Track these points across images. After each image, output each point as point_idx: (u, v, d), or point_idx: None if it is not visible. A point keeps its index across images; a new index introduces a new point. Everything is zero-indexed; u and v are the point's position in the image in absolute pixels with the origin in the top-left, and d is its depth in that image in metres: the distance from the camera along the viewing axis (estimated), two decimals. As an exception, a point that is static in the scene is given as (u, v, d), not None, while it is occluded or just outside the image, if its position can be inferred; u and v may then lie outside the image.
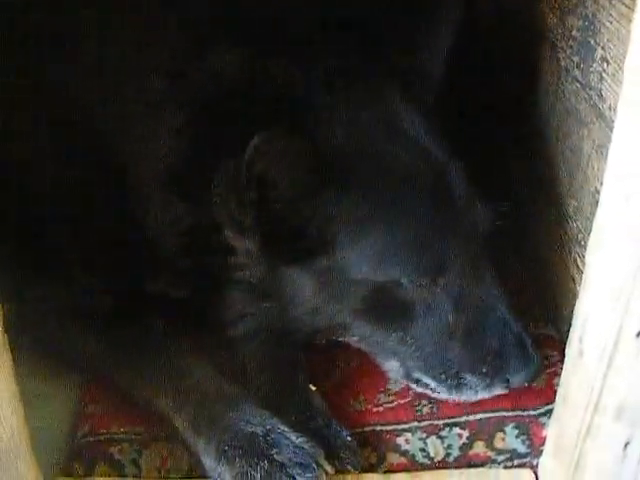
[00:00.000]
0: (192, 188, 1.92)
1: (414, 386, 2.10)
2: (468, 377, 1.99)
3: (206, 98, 1.94)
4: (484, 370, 1.98)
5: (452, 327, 1.97)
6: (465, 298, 1.96)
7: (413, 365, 2.04)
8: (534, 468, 1.97)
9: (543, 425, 2.09)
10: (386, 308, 1.97)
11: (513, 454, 2.06)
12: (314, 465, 1.86)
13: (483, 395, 2.02)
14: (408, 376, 2.08)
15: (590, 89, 1.95)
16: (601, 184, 1.52)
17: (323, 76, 1.98)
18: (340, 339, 2.13)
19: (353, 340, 2.09)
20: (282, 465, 1.85)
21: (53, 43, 2.13)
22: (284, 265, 1.95)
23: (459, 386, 2.01)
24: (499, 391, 2.01)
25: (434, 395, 2.08)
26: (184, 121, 1.95)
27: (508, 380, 1.99)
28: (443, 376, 2.01)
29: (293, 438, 1.90)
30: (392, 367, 2.09)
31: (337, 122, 1.92)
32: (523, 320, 2.00)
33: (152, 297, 2.15)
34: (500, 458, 2.05)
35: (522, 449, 2.06)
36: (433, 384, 2.04)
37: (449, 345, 1.98)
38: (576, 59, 2.04)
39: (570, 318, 1.69)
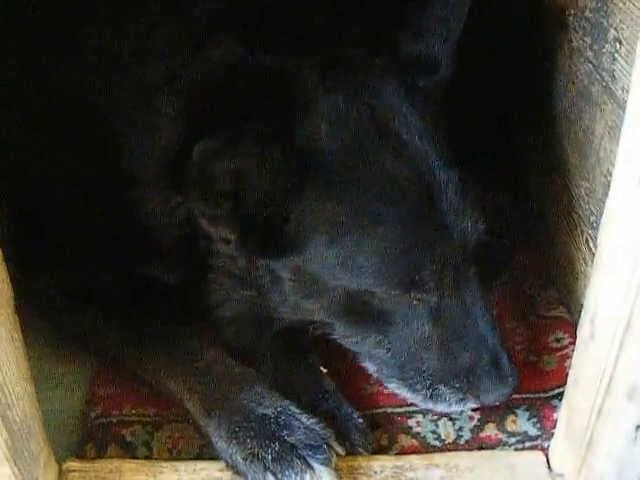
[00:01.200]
0: (185, 179, 1.92)
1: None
2: (441, 389, 1.98)
3: (202, 89, 1.94)
4: (457, 385, 1.96)
5: (428, 339, 1.95)
6: (443, 312, 1.94)
7: (389, 372, 2.03)
8: (545, 450, 1.97)
9: (554, 407, 2.09)
10: (361, 314, 1.95)
11: (524, 436, 2.06)
12: (325, 447, 1.87)
13: (457, 408, 2.01)
14: (384, 381, 2.08)
15: (603, 70, 1.95)
16: (613, 166, 1.52)
17: (316, 68, 1.95)
18: (326, 335, 2.10)
19: (340, 339, 2.07)
20: (293, 446, 1.86)
21: (52, 33, 2.13)
22: (259, 257, 1.95)
23: (433, 397, 1.99)
24: (472, 405, 2.00)
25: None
26: (181, 112, 1.94)
27: (478, 397, 1.96)
28: (418, 386, 2.00)
29: (304, 420, 1.91)
30: (369, 369, 2.09)
31: (324, 120, 1.87)
32: (503, 337, 1.97)
33: (150, 283, 2.15)
34: (511, 440, 2.05)
35: (533, 431, 2.06)
36: (408, 394, 2.03)
37: (424, 356, 1.96)
38: (589, 40, 2.03)
39: (582, 300, 1.69)
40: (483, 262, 1.98)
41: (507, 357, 1.94)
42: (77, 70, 2.08)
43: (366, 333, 1.99)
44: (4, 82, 2.13)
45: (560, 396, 1.99)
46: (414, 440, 2.06)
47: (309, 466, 1.83)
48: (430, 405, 2.02)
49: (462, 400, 1.98)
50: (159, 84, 1.97)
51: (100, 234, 2.14)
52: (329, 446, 1.88)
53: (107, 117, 2.03)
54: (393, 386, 2.05)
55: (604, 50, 1.93)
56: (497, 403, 2.00)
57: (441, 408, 2.01)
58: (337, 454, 1.90)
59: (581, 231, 2.17)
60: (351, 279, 1.88)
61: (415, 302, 1.92)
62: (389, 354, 1.99)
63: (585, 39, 2.05)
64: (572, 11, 2.13)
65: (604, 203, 1.56)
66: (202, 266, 2.05)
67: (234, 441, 1.90)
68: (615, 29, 1.85)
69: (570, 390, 1.81)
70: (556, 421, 1.93)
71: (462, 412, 2.09)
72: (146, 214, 2.03)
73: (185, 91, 1.95)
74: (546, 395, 2.13)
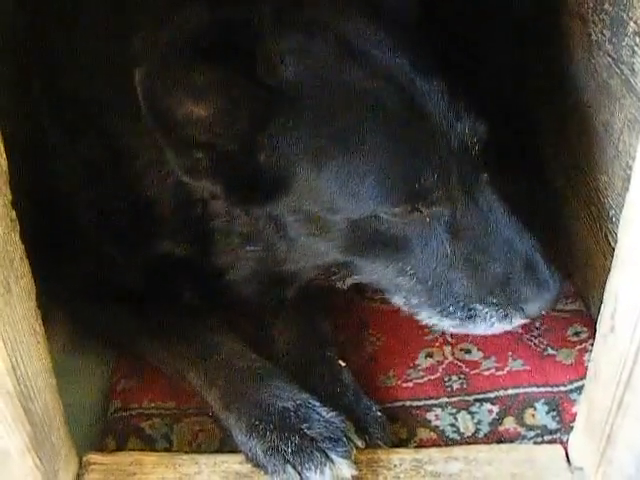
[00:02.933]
0: None
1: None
2: (478, 308, 1.90)
3: (173, 52, 1.86)
4: (494, 300, 1.88)
5: (450, 257, 1.88)
6: (459, 224, 1.86)
7: (418, 301, 1.96)
8: (564, 444, 1.97)
9: (573, 401, 2.09)
10: (374, 243, 1.89)
11: (543, 430, 2.06)
12: (345, 439, 1.87)
13: (502, 327, 1.92)
14: (414, 315, 2.00)
15: (622, 63, 1.94)
16: (632, 159, 1.52)
17: (270, 12, 1.89)
18: (350, 280, 2.04)
19: (362, 279, 2.01)
20: (313, 439, 1.86)
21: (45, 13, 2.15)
22: (249, 205, 1.90)
23: (471, 318, 1.91)
24: (519, 321, 1.91)
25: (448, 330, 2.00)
26: None
27: (523, 309, 1.88)
28: (451, 309, 1.92)
29: (324, 413, 1.92)
30: (398, 302, 2.01)
31: (285, 52, 1.82)
32: (535, 240, 1.87)
33: (170, 263, 2.14)
34: (530, 434, 2.05)
35: (552, 425, 2.06)
36: (442, 321, 1.95)
37: (451, 276, 1.89)
38: (608, 33, 2.02)
39: (601, 294, 1.69)
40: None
41: (544, 259, 1.86)
42: (68, 48, 2.09)
43: (386, 263, 1.91)
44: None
45: (579, 390, 2.00)
46: (433, 433, 2.07)
47: (329, 459, 1.83)
48: (470, 328, 1.94)
49: (506, 317, 1.89)
50: (138, 55, 1.92)
51: (109, 217, 2.14)
52: (348, 439, 1.88)
53: (95, 97, 2.02)
54: (425, 315, 1.97)
55: (624, 43, 1.92)
56: (544, 312, 1.91)
57: (483, 329, 1.93)
58: (356, 447, 1.90)
59: (600, 225, 2.17)
60: (350, 207, 1.82)
61: (427, 219, 1.85)
62: (414, 281, 1.92)
63: (604, 32, 2.04)
64: (591, 4, 2.12)
65: (623, 197, 1.56)
66: (204, 232, 2.02)
67: (254, 434, 1.91)
68: (635, 22, 1.84)
69: (590, 384, 1.80)
70: (575, 415, 1.93)
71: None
72: (144, 186, 2.02)
73: (160, 57, 1.87)
74: (565, 389, 2.13)
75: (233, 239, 2.00)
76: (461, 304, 1.91)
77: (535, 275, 1.85)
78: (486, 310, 1.90)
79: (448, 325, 1.96)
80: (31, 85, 2.15)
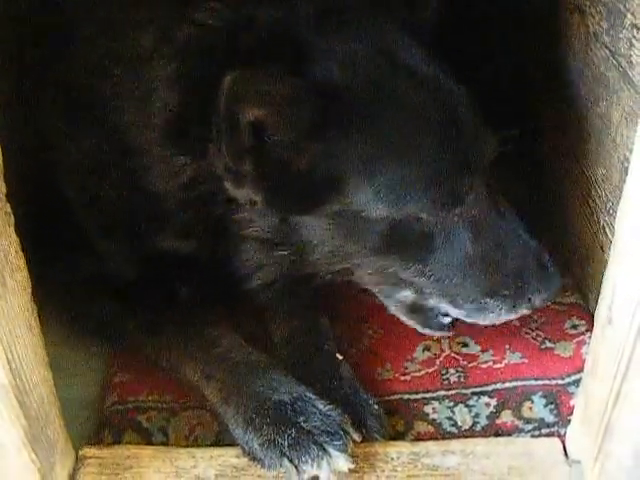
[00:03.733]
0: (188, 140, 1.90)
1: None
2: (488, 301, 1.99)
3: (193, 49, 1.89)
4: (505, 292, 1.98)
5: (471, 256, 1.96)
6: (482, 225, 1.95)
7: (430, 292, 2.02)
8: (562, 437, 1.96)
9: (571, 394, 2.09)
10: (406, 243, 1.94)
11: (541, 423, 2.06)
12: (341, 433, 1.87)
13: (507, 317, 2.03)
14: (420, 300, 2.07)
15: (619, 56, 1.93)
16: (630, 152, 1.51)
17: (312, 15, 1.92)
18: (353, 277, 2.08)
19: (366, 273, 2.04)
20: (310, 433, 1.86)
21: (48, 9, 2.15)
22: (295, 215, 1.92)
23: (480, 310, 2.01)
24: (524, 311, 2.02)
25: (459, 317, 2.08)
26: (174, 74, 1.91)
27: (530, 300, 1.99)
28: (460, 301, 2.01)
29: (320, 406, 1.91)
30: (404, 297, 2.07)
31: (333, 59, 1.85)
32: (540, 239, 2.00)
33: (171, 259, 2.14)
34: (528, 427, 2.05)
35: (550, 418, 2.06)
36: (450, 309, 2.04)
37: (468, 274, 1.97)
38: (605, 25, 2.01)
39: (599, 286, 1.68)
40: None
41: (549, 257, 1.99)
42: (75, 43, 2.08)
43: (409, 263, 1.97)
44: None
45: (577, 383, 1.99)
46: (430, 426, 2.07)
47: (326, 452, 1.83)
48: (476, 319, 2.04)
49: (513, 307, 2.00)
50: (150, 50, 1.94)
51: (111, 212, 2.13)
52: (345, 432, 1.88)
53: (103, 92, 2.01)
54: (434, 301, 2.05)
55: (621, 36, 1.92)
56: (549, 302, 2.04)
57: (489, 320, 2.04)
58: (353, 440, 1.89)
59: (597, 217, 2.16)
60: (396, 209, 1.87)
61: (456, 219, 1.93)
62: (432, 279, 1.98)
63: (602, 24, 2.03)
64: (589, -4, 2.12)
65: (621, 189, 1.55)
66: (217, 233, 2.02)
67: (251, 427, 1.91)
68: (632, 14, 1.84)
69: (587, 376, 1.80)
70: (573, 408, 1.93)
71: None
72: (150, 181, 2.01)
73: (176, 52, 1.91)
74: (562, 382, 2.13)
75: (257, 246, 2.01)
76: (471, 298, 1.99)
77: (543, 270, 1.97)
78: (497, 303, 1.99)
79: (457, 314, 2.05)
80: (36, 79, 2.14)
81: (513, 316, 2.03)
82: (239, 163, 1.82)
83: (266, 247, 2.00)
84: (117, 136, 2.02)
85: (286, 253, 2.00)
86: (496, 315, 2.02)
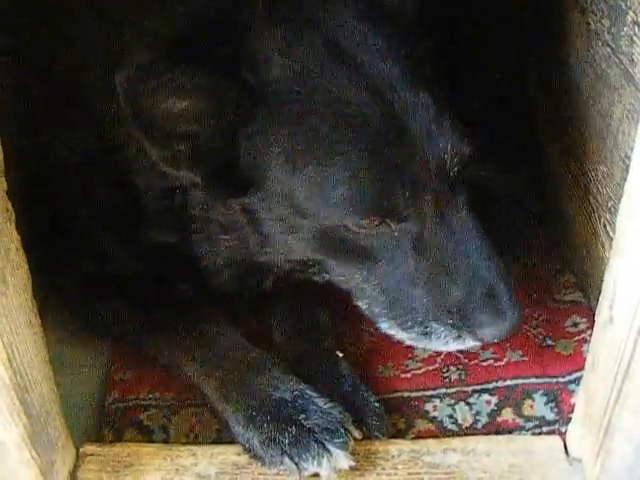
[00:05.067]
0: None
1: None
2: (434, 326, 1.90)
3: (160, 42, 1.87)
4: (449, 321, 1.88)
5: (413, 273, 1.88)
6: (427, 243, 1.86)
7: (379, 311, 1.97)
8: (563, 435, 1.96)
9: (572, 392, 2.09)
10: (342, 249, 1.89)
11: (541, 421, 2.06)
12: (342, 430, 1.87)
13: (456, 346, 1.93)
14: (376, 321, 2.01)
15: (621, 53, 1.93)
16: (631, 150, 1.51)
17: (262, 2, 1.86)
18: (326, 277, 2.03)
19: (332, 278, 2.01)
20: (310, 430, 1.86)
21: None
22: (225, 197, 1.91)
23: (427, 335, 1.92)
24: (471, 344, 1.92)
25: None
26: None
27: (477, 333, 1.88)
28: (409, 323, 1.92)
29: (321, 404, 1.92)
30: (362, 307, 2.02)
31: (273, 51, 1.80)
32: (502, 269, 1.87)
33: (165, 254, 2.13)
34: (528, 425, 2.05)
35: (550, 416, 2.06)
36: (400, 334, 1.96)
37: (412, 292, 1.89)
38: (607, 23, 2.01)
39: (599, 284, 1.68)
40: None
41: (506, 289, 1.86)
42: (57, 41, 2.09)
43: (354, 269, 1.93)
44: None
45: (577, 381, 1.99)
46: (431, 424, 2.07)
47: (326, 450, 1.83)
48: (425, 343, 1.95)
49: (459, 337, 1.90)
50: (127, 44, 1.92)
51: (101, 206, 2.14)
52: (346, 430, 1.88)
53: (88, 85, 2.01)
54: (385, 326, 1.98)
55: (622, 33, 1.91)
56: (496, 340, 1.92)
57: (437, 346, 1.94)
58: (354, 438, 1.90)
59: (598, 215, 2.16)
60: (320, 213, 1.82)
61: (395, 234, 1.85)
62: (377, 291, 1.93)
63: (603, 22, 2.03)
64: (590, -7, 2.12)
65: (622, 187, 1.55)
66: (184, 220, 2.02)
67: (251, 425, 1.91)
68: (634, 12, 1.84)
69: (588, 374, 1.80)
70: (574, 406, 1.93)
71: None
72: (133, 176, 2.02)
73: (153, 43, 1.89)
74: (563, 380, 2.13)
75: (210, 227, 2.00)
76: (419, 319, 1.91)
77: (494, 303, 1.85)
78: (441, 329, 1.90)
79: (406, 338, 1.97)
80: (26, 73, 2.14)
81: (462, 346, 1.93)
82: (167, 148, 1.79)
83: (215, 229, 2.00)
84: (101, 131, 2.02)
85: (231, 238, 1.99)
86: (443, 342, 1.92)
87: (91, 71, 2.01)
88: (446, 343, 1.92)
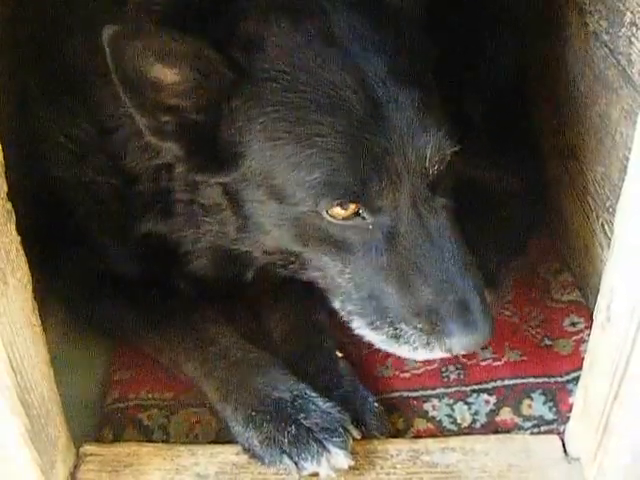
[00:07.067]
0: None
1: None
2: (403, 328, 1.88)
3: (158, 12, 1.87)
4: (419, 325, 1.86)
5: (386, 269, 1.86)
6: (401, 238, 1.84)
7: (352, 309, 1.96)
8: (561, 434, 1.97)
9: (570, 392, 2.09)
10: (318, 239, 1.88)
11: (540, 420, 2.06)
12: (341, 430, 1.88)
13: (425, 354, 1.91)
14: (348, 322, 2.00)
15: (619, 54, 1.94)
16: (629, 150, 1.51)
17: None
18: (305, 273, 2.02)
19: (310, 273, 2.00)
20: (309, 430, 1.87)
21: None
22: (206, 175, 1.90)
23: (396, 337, 1.90)
24: (440, 353, 1.89)
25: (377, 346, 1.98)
26: None
27: (446, 343, 1.86)
28: (378, 323, 1.91)
29: (320, 403, 1.92)
30: (336, 306, 2.01)
31: (267, 34, 1.80)
32: (478, 281, 1.85)
33: (162, 246, 2.12)
34: (527, 424, 2.06)
35: (549, 415, 2.07)
36: (371, 334, 1.95)
37: (383, 289, 1.88)
38: (605, 24, 2.02)
39: (597, 284, 1.69)
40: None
41: (479, 301, 1.83)
42: (51, 24, 2.12)
43: (329, 261, 1.92)
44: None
45: (576, 380, 1.99)
46: (430, 424, 2.07)
47: (325, 449, 1.84)
48: (394, 347, 1.93)
49: (428, 345, 1.87)
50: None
51: (96, 197, 2.15)
52: (345, 429, 1.89)
53: (82, 67, 2.02)
54: (356, 325, 1.97)
55: (620, 34, 1.92)
56: (464, 352, 1.91)
57: (405, 352, 1.92)
58: (353, 437, 1.90)
59: (597, 215, 2.17)
60: (295, 196, 1.82)
61: (370, 227, 1.84)
62: (351, 285, 1.92)
63: (601, 22, 2.04)
64: (588, -6, 2.12)
65: (620, 187, 1.56)
66: (170, 204, 2.03)
67: (250, 425, 1.92)
68: (631, 12, 1.84)
69: (586, 374, 1.81)
70: (572, 405, 1.94)
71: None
72: (126, 162, 2.02)
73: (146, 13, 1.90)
74: (562, 379, 2.14)
75: (193, 209, 2.00)
76: (388, 320, 1.90)
77: (465, 314, 1.83)
78: (410, 333, 1.88)
79: (376, 339, 1.96)
80: (19, 63, 2.15)
81: (431, 355, 1.91)
82: (153, 118, 1.79)
83: (198, 212, 1.99)
84: (94, 114, 2.02)
85: (212, 221, 1.99)
86: (412, 348, 1.90)
87: (84, 54, 2.00)
88: (415, 349, 1.90)
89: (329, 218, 1.82)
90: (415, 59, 1.89)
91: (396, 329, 1.89)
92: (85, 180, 2.13)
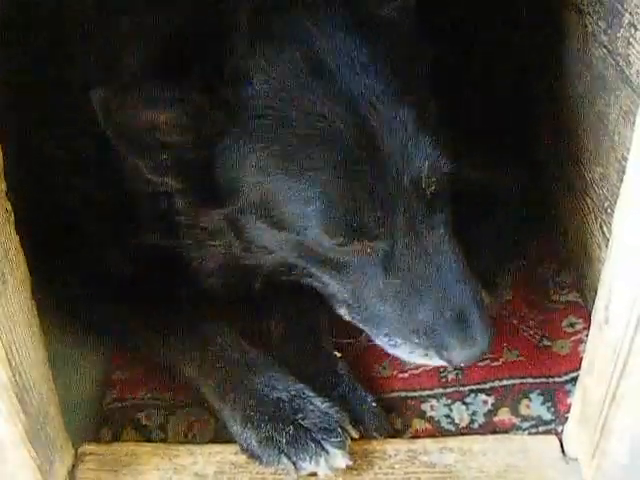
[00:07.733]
0: None
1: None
2: (399, 341, 1.90)
3: (158, 41, 1.89)
4: (416, 341, 1.88)
5: (383, 291, 1.87)
6: (397, 261, 1.84)
7: (355, 315, 1.97)
8: (559, 435, 1.97)
9: (568, 392, 2.09)
10: (318, 260, 1.89)
11: (538, 421, 2.06)
12: (339, 430, 1.88)
13: (423, 361, 1.92)
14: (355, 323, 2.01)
15: (617, 55, 1.94)
16: (628, 151, 1.51)
17: (243, 16, 1.85)
18: (307, 280, 2.03)
19: (313, 282, 2.01)
20: (307, 430, 1.87)
21: None
22: (203, 207, 1.91)
23: (395, 346, 1.92)
24: (438, 362, 1.90)
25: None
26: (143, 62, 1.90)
27: (444, 355, 1.86)
28: (375, 331, 1.94)
29: (318, 403, 1.92)
30: (341, 313, 2.02)
31: (254, 68, 1.79)
32: (476, 293, 1.86)
33: (161, 257, 2.12)
34: (525, 425, 2.06)
35: (547, 416, 2.07)
36: (376, 339, 1.97)
37: (381, 308, 1.89)
38: (603, 25, 2.02)
39: (596, 285, 1.69)
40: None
41: (478, 314, 1.83)
42: (51, 39, 2.11)
43: (330, 278, 1.93)
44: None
45: (574, 381, 2.00)
46: (428, 424, 2.07)
47: (323, 449, 1.84)
48: (397, 353, 1.94)
49: (425, 356, 1.89)
50: (122, 43, 1.95)
51: (98, 208, 2.15)
52: (343, 430, 1.89)
53: (82, 83, 2.02)
54: (361, 325, 1.99)
55: (619, 35, 1.92)
56: (463, 364, 1.94)
57: (406, 357, 1.94)
58: (351, 437, 1.91)
59: (595, 216, 2.17)
60: (295, 227, 1.83)
61: (368, 250, 1.84)
62: (352, 299, 1.94)
63: (600, 23, 2.04)
64: (587, -5, 2.12)
65: (618, 188, 1.56)
66: (171, 224, 2.02)
67: (249, 425, 1.92)
68: (630, 13, 1.84)
69: (584, 375, 1.81)
70: (570, 406, 1.93)
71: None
72: (124, 178, 2.01)
73: (145, 42, 1.91)
74: (560, 380, 2.14)
75: (197, 233, 2.00)
76: (384, 331, 1.93)
77: (464, 327, 1.83)
78: (408, 345, 1.90)
79: (384, 345, 1.97)
80: (19, 74, 2.15)
81: (430, 363, 1.93)
82: (150, 158, 1.81)
83: (202, 236, 2.00)
84: (95, 129, 2.02)
85: (217, 243, 2.00)
86: (411, 357, 1.92)
87: (85, 68, 2.01)
88: (415, 356, 1.92)
89: (328, 245, 1.83)
90: (410, 73, 1.88)
91: (391, 340, 1.93)
92: (86, 189, 2.13)
